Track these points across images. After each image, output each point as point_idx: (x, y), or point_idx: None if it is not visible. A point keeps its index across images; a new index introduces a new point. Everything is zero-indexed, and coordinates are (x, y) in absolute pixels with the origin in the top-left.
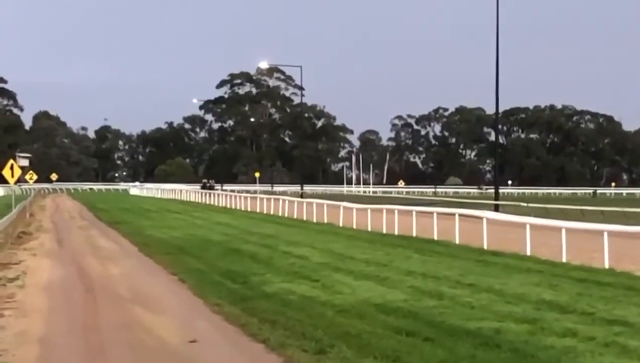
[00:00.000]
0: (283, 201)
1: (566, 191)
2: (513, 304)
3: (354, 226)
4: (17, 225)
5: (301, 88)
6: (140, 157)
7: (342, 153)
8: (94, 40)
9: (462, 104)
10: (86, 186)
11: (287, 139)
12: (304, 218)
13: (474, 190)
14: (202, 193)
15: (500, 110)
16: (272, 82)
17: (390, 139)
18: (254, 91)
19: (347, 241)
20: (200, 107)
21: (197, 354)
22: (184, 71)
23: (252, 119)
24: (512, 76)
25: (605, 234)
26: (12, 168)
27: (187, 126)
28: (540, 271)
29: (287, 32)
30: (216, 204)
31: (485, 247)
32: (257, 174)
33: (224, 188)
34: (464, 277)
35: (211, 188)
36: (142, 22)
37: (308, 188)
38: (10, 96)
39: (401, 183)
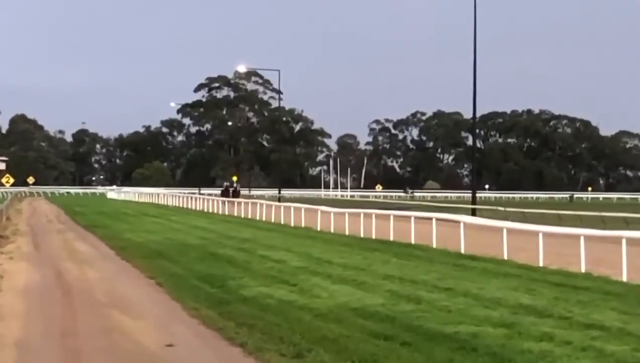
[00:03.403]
0: (261, 205)
1: (543, 195)
2: (490, 308)
3: (332, 230)
4: None
5: (279, 92)
6: (118, 161)
7: (320, 157)
8: (72, 44)
9: (439, 108)
10: (63, 189)
11: (265, 143)
12: (282, 222)
13: (400, 194)
14: (179, 197)
15: (478, 114)
16: (250, 86)
17: (368, 143)
18: (232, 94)
19: (325, 245)
20: (178, 111)
21: (174, 358)
22: (161, 74)
23: (230, 123)
24: (489, 81)
25: (582, 238)
26: None
27: (164, 129)
28: (518, 275)
29: (265, 36)
30: (194, 208)
31: (462, 251)
32: (234, 178)
33: (202, 192)
34: (441, 281)
35: (236, 193)
36: (120, 26)
37: (286, 192)
38: None
39: (379, 187)
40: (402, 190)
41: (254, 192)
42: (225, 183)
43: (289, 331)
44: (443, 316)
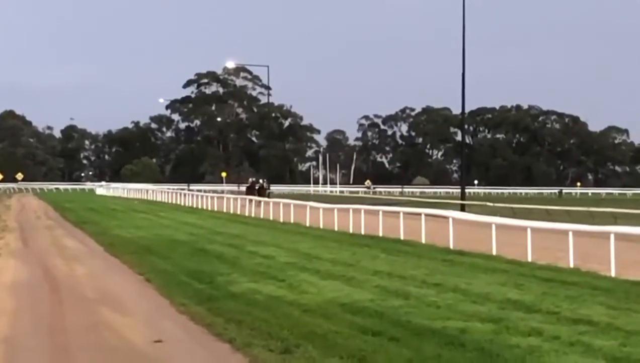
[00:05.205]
0: (250, 200)
1: (532, 191)
2: (479, 304)
3: (321, 226)
4: None
5: (268, 88)
6: (107, 157)
7: (309, 153)
8: (61, 41)
9: (428, 104)
10: (52, 185)
11: (254, 139)
12: (271, 218)
13: (362, 189)
14: (168, 193)
15: (467, 110)
16: (239, 82)
17: (357, 139)
18: (221, 90)
19: (314, 241)
20: (167, 107)
21: (163, 354)
22: (150, 70)
23: (219, 119)
24: (478, 76)
25: (571, 233)
26: None
27: (153, 125)
28: (506, 270)
29: (254, 32)
30: (182, 204)
31: (451, 247)
32: (224, 174)
33: (191, 187)
34: (430, 277)
35: (263, 191)
36: (109, 23)
37: (275, 188)
38: None
39: (368, 183)
40: (365, 186)
41: (243, 188)
42: (250, 179)
43: (277, 327)
44: (431, 312)
